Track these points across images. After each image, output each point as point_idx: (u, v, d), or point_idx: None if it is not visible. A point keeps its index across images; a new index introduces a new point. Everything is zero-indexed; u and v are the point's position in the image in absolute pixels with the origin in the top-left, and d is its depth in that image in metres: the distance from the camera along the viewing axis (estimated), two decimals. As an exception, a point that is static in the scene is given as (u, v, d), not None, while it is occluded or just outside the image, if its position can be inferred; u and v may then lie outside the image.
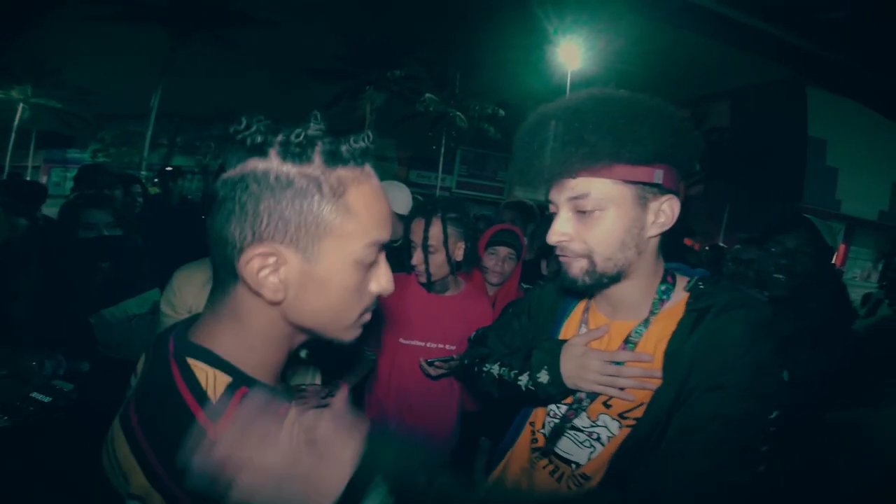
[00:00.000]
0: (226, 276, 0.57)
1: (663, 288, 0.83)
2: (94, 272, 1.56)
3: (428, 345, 1.60)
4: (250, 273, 0.53)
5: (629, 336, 0.83)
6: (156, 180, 3.14)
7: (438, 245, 1.51)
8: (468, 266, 1.72)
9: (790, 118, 18.78)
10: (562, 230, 0.78)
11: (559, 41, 17.39)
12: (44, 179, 22.00)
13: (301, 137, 0.53)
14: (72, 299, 1.52)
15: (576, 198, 0.76)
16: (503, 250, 1.93)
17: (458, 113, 21.21)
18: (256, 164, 0.52)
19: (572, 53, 16.44)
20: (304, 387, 1.28)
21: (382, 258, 0.62)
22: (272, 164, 0.52)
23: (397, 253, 1.62)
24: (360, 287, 0.59)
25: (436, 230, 1.51)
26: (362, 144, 0.56)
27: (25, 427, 1.14)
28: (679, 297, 0.82)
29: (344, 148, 0.55)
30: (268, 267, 0.53)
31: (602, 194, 0.74)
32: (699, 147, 0.78)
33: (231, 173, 0.53)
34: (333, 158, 0.54)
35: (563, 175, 0.75)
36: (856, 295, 3.75)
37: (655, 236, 0.79)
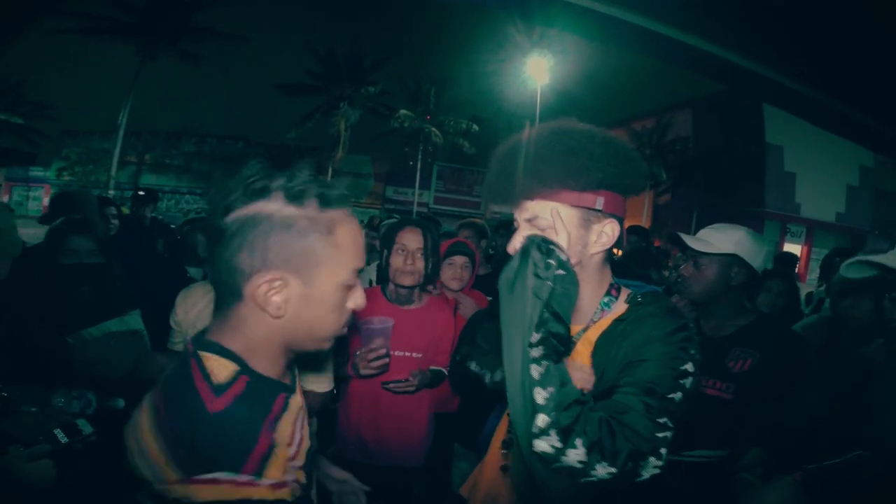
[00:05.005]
0: (229, 297, 0.66)
1: (606, 299, 0.95)
2: (73, 297, 1.60)
3: (395, 353, 1.69)
4: (259, 294, 0.63)
5: (573, 338, 0.95)
6: (115, 204, 3.12)
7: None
8: (433, 279, 1.84)
9: (748, 125, 19.50)
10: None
11: (529, 56, 17.85)
12: (5, 198, 21.13)
13: (299, 183, 0.64)
14: (48, 322, 1.55)
15: (531, 218, 0.89)
16: (459, 259, 2.09)
17: (433, 129, 21.43)
18: (263, 206, 0.63)
19: (542, 68, 16.89)
20: None
21: (358, 280, 0.73)
22: (277, 206, 0.63)
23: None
24: (342, 305, 0.70)
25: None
26: (345, 191, 0.68)
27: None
28: (620, 307, 0.95)
29: (333, 193, 0.66)
30: (274, 289, 0.64)
31: (551, 216, 0.86)
32: (645, 174, 0.91)
33: (239, 213, 0.63)
34: (325, 202, 0.65)
35: (522, 198, 0.89)
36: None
37: (598, 253, 0.91)
